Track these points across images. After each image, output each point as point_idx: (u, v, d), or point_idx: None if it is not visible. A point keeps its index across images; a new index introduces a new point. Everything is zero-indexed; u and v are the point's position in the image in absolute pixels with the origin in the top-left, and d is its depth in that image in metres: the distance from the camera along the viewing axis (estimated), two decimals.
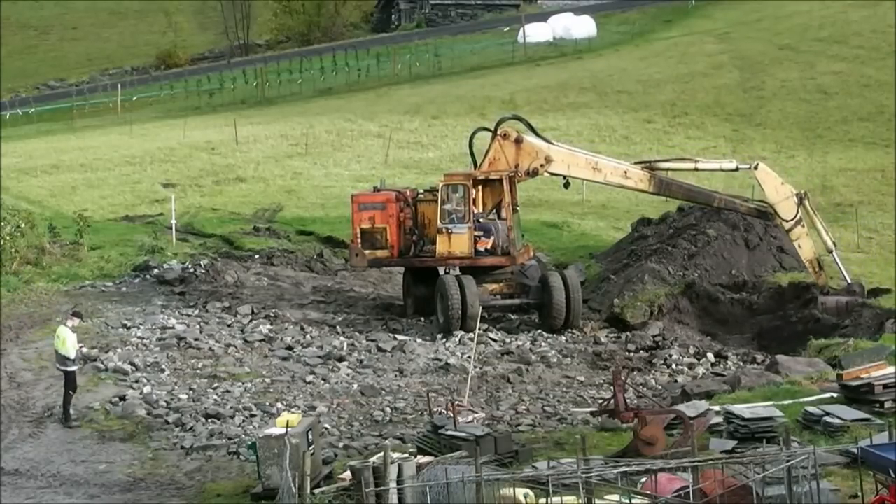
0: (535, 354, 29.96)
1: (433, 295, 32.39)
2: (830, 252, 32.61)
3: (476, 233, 32.64)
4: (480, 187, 33.16)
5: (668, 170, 34.56)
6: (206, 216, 46.21)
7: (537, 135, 33.90)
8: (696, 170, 35.09)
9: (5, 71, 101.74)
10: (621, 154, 48.98)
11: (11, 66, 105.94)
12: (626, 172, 33.53)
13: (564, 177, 33.88)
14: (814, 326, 31.05)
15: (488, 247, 32.75)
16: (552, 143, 34.16)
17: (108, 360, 28.53)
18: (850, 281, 32.30)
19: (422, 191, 34.77)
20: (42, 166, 56.66)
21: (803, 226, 32.71)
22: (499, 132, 33.15)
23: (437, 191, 32.94)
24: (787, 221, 32.77)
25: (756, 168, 33.30)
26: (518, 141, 33.02)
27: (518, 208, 33.96)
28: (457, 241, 32.55)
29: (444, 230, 32.59)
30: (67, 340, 25.19)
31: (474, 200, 32.96)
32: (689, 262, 35.49)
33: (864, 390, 22.86)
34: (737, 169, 34.16)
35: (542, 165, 33.06)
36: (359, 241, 33.48)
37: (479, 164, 33.63)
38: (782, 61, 71.47)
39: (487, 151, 33.28)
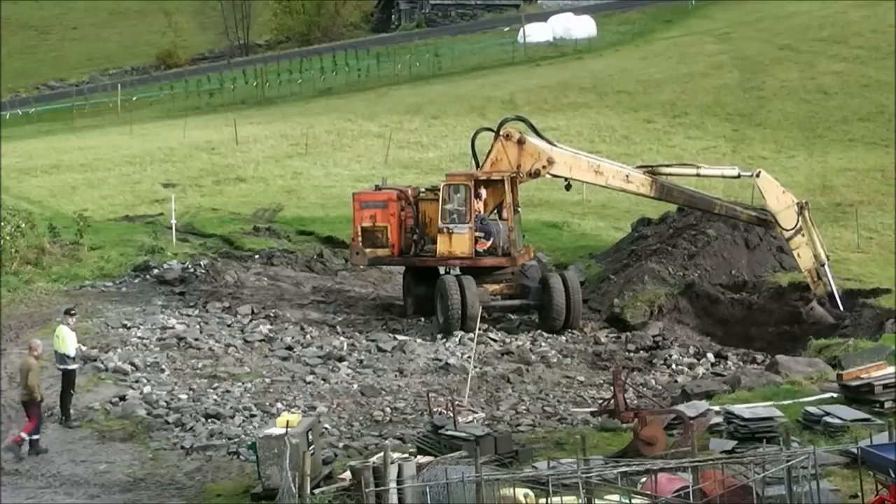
0: (535, 354, 29.96)
1: (433, 295, 32.38)
2: (822, 265, 32.52)
3: (476, 234, 32.64)
4: (482, 188, 33.15)
5: (669, 175, 34.51)
6: (206, 216, 46.19)
7: (540, 136, 33.85)
8: (699, 176, 35.03)
9: (5, 71, 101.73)
10: (621, 154, 49.00)
11: (11, 66, 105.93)
12: (627, 176, 33.43)
13: (566, 178, 33.86)
14: (811, 327, 31.07)
15: (486, 248, 32.76)
16: (555, 145, 34.09)
17: (108, 360, 28.50)
18: (842, 308, 32.11)
19: (423, 189, 34.76)
20: (42, 166, 56.61)
21: (803, 235, 32.59)
22: (501, 133, 33.12)
23: (439, 190, 32.95)
24: (786, 230, 32.69)
25: (758, 176, 33.19)
26: (520, 142, 32.97)
27: (519, 209, 33.95)
28: (457, 242, 32.54)
29: (444, 230, 32.58)
30: (67, 339, 25.21)
31: (482, 202, 33.00)
32: (689, 262, 35.49)
33: (864, 390, 22.87)
34: (738, 176, 34.12)
35: (544, 167, 33.00)
36: (359, 239, 33.49)
37: (480, 164, 33.62)
38: (782, 61, 71.37)
39: (490, 152, 33.25)
